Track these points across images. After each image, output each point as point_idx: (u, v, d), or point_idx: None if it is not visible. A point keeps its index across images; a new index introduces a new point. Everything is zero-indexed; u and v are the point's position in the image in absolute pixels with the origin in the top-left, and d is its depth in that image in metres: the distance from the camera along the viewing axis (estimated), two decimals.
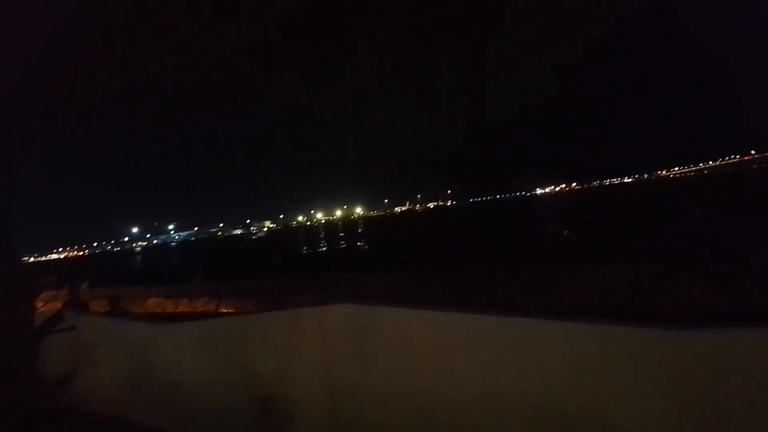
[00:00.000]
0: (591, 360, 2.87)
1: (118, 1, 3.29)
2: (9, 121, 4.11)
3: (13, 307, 4.14)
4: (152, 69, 4.12)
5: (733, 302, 7.07)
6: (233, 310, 14.61)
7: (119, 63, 3.95)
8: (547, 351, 3.03)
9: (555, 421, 2.98)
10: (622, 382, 2.76)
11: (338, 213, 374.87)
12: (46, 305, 9.85)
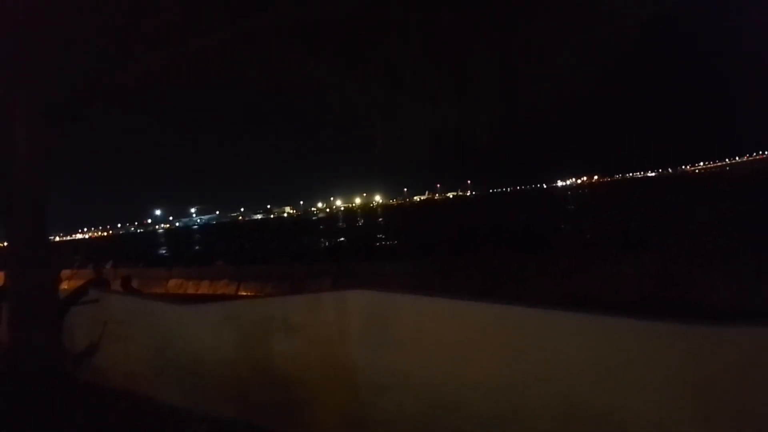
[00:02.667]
0: (615, 353, 2.84)
1: None
2: (47, 99, 4.20)
3: (41, 282, 4.27)
4: (189, 47, 4.18)
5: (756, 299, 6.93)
6: (252, 294, 14.78)
7: (156, 40, 4.01)
8: (570, 343, 3.01)
9: (576, 413, 2.96)
10: (646, 376, 2.72)
11: (357, 200, 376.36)
12: (71, 283, 10.08)
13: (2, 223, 4.29)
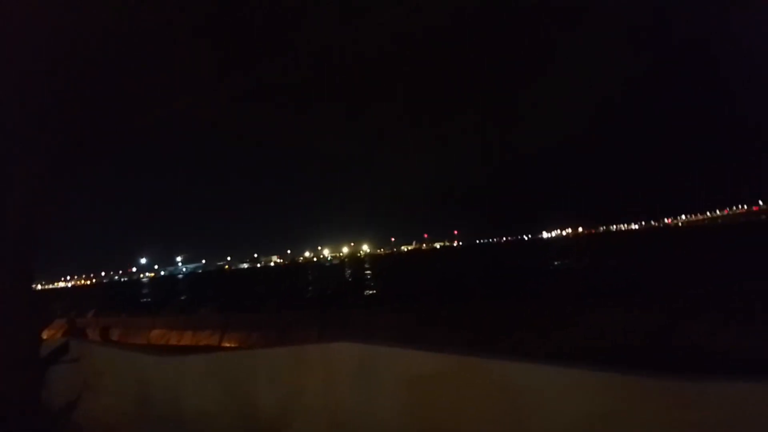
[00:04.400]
0: (606, 411, 2.79)
1: (149, 39, 3.45)
2: (49, 149, 4.22)
3: (23, 336, 4.14)
4: (182, 104, 4.27)
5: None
6: (236, 345, 14.50)
7: (149, 99, 4.09)
8: (558, 399, 2.96)
9: None
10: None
11: (345, 250, 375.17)
12: (48, 333, 9.84)
13: None
